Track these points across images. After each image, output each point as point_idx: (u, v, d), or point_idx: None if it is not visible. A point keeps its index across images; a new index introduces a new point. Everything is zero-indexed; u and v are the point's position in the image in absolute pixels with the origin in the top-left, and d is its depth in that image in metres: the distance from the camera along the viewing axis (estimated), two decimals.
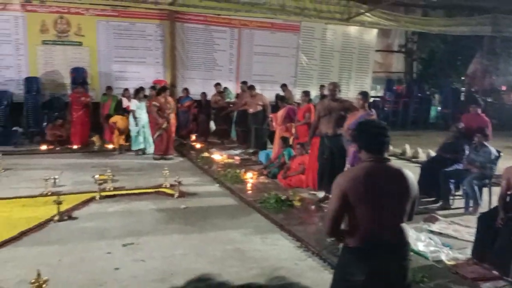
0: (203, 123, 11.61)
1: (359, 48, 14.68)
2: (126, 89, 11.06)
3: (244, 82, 11.01)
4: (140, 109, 9.63)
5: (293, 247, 4.77)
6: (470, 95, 15.84)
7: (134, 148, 9.80)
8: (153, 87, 10.57)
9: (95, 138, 10.47)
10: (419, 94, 16.34)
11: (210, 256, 4.44)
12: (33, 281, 3.24)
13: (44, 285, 3.26)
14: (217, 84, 11.57)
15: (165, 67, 12.40)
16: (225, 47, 13.03)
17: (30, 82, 11.03)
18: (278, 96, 9.98)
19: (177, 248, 4.61)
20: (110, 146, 10.10)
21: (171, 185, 6.82)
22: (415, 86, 16.52)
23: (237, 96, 11.67)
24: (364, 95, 6.07)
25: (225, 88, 11.96)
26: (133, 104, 9.78)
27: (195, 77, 12.71)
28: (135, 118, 9.62)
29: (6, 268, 4.02)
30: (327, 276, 3.83)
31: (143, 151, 9.72)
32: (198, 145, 10.42)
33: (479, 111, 7.87)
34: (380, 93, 17.26)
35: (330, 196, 2.43)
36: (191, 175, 7.88)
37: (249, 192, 6.83)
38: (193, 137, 11.27)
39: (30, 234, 4.90)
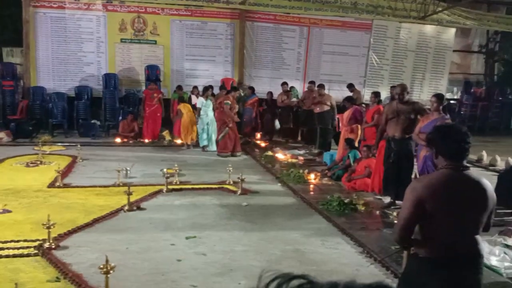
0: (268, 122, 11.66)
1: (435, 48, 13.96)
2: (195, 87, 11.39)
3: (312, 82, 10.90)
4: (206, 107, 9.81)
5: (355, 252, 4.64)
6: None
7: (200, 144, 10.05)
8: (221, 87, 10.79)
9: (165, 133, 10.91)
10: (500, 98, 15.21)
11: (270, 255, 4.45)
12: (101, 266, 3.44)
13: (111, 271, 3.45)
14: (284, 83, 11.56)
15: (234, 65, 12.61)
16: (294, 46, 12.99)
17: (109, 78, 11.74)
18: (346, 97, 9.75)
19: (238, 244, 4.67)
20: (179, 141, 10.46)
21: (234, 182, 6.92)
22: (496, 89, 15.40)
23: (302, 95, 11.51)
24: (438, 97, 5.75)
25: (292, 87, 11.92)
26: (199, 102, 10.03)
27: (262, 75, 12.81)
28: (199, 115, 9.87)
29: (79, 252, 4.30)
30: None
31: (203, 148, 9.89)
32: (262, 144, 10.49)
33: None
34: (457, 96, 16.30)
35: (402, 202, 2.32)
36: (254, 173, 7.94)
37: (312, 193, 6.76)
38: (258, 135, 11.37)
39: (102, 221, 5.20)
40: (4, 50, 15.05)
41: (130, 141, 10.58)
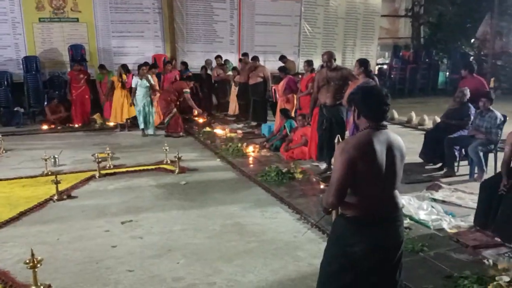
0: (205, 98, 11.46)
1: (364, 14, 14.27)
2: (123, 65, 10.78)
3: (245, 54, 10.78)
4: (141, 87, 9.08)
5: (293, 219, 4.71)
6: (478, 59, 15.41)
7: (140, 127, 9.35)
8: (153, 65, 10.22)
9: (96, 116, 10.42)
10: (427, 60, 15.95)
11: (209, 231, 4.40)
12: (27, 261, 3.23)
13: (39, 265, 3.25)
14: (218, 57, 11.36)
15: (165, 40, 12.17)
16: (226, 18, 12.75)
17: (29, 61, 10.93)
18: (279, 67, 9.75)
19: (176, 224, 4.58)
20: (111, 124, 10.02)
21: (172, 161, 6.76)
22: (422, 52, 16.11)
23: (235, 68, 11.32)
24: (360, 62, 5.85)
25: (226, 60, 11.75)
26: (134, 81, 9.19)
27: (195, 50, 12.49)
28: (134, 96, 9.11)
29: (4, 249, 4.03)
30: None
31: (143, 132, 9.25)
32: (200, 120, 10.31)
33: (470, 74, 7.36)
34: (388, 60, 16.89)
35: (333, 165, 2.34)
36: (192, 151, 7.81)
37: (251, 166, 6.75)
38: (195, 112, 11.15)
39: (30, 214, 4.89)
40: None
41: (59, 127, 10.00)
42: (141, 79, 9.09)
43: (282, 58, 11.01)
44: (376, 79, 6.21)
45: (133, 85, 9.16)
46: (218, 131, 9.11)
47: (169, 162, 6.82)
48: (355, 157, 2.19)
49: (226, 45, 12.79)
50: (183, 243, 4.12)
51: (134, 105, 9.25)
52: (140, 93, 9.10)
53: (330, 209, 2.52)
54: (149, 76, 9.14)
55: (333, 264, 2.37)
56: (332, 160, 5.45)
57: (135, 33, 11.85)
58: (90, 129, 9.98)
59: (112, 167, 6.67)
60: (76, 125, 10.11)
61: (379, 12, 14.73)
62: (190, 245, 4.07)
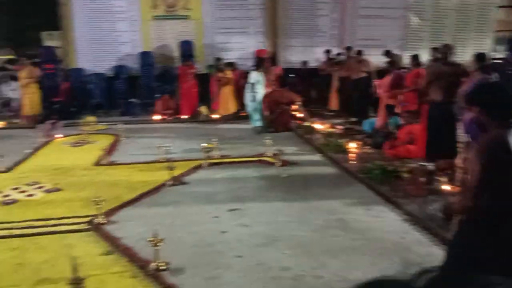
0: (304, 92, 11.47)
1: (478, 5, 13.18)
2: (218, 59, 11.09)
3: (349, 48, 10.59)
4: (259, 84, 8.89)
5: (399, 220, 4.57)
6: None
7: (253, 124, 9.20)
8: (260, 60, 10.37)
9: (202, 108, 10.99)
10: None
11: (313, 224, 4.44)
12: (151, 239, 3.55)
13: (160, 243, 3.56)
14: (327, 51, 11.26)
15: (266, 36, 12.41)
16: (328, 12, 12.60)
17: (144, 56, 11.86)
18: (386, 62, 9.38)
19: (280, 215, 4.69)
20: (216, 116, 10.50)
21: (273, 154, 6.92)
22: None
23: (337, 62, 11.17)
24: (478, 57, 5.44)
25: (339, 54, 11.55)
26: (253, 76, 9.06)
27: (296, 44, 12.55)
28: (252, 91, 8.93)
29: (127, 227, 4.45)
30: (437, 251, 3.61)
31: (261, 129, 8.97)
32: (300, 114, 10.34)
33: None
34: (503, 55, 15.43)
35: (469, 168, 2.23)
36: (292, 145, 7.91)
37: (352, 162, 6.65)
38: (295, 106, 11.22)
39: (147, 196, 5.34)
40: (44, 34, 15.49)
41: (168, 118, 10.74)
42: (260, 75, 8.95)
43: (387, 53, 10.61)
44: (497, 75, 5.73)
45: (252, 81, 9.04)
46: (318, 126, 9.09)
47: (270, 155, 6.99)
48: (492, 159, 2.07)
49: (327, 39, 12.65)
50: (288, 234, 4.21)
51: (252, 100, 9.10)
52: (259, 90, 8.97)
53: (461, 213, 2.40)
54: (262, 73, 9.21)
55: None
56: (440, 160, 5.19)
57: (240, 29, 12.25)
58: (197, 120, 10.57)
59: (218, 157, 7.00)
60: (184, 117, 10.78)
61: (496, 3, 13.49)
62: (295, 237, 4.16)
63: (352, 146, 7.32)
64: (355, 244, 4.03)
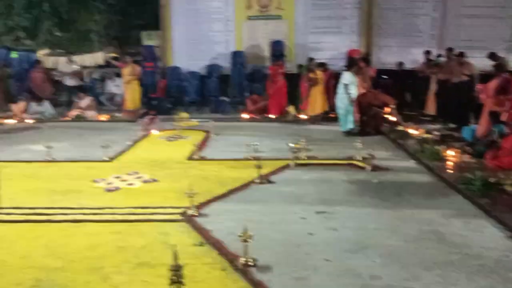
0: (398, 94, 10.99)
1: None
2: (312, 59, 11.02)
3: (450, 49, 9.95)
4: (353, 84, 8.64)
5: (503, 236, 4.19)
6: None
7: (343, 129, 8.91)
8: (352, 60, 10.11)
9: (290, 108, 11.01)
10: None
11: (405, 234, 4.24)
12: (241, 234, 3.63)
13: (249, 239, 3.62)
14: (427, 52, 10.70)
15: (360, 36, 12.09)
16: (428, 11, 11.94)
17: (236, 56, 12.20)
18: (494, 65, 8.64)
19: (370, 222, 4.54)
20: (304, 116, 10.47)
21: (363, 158, 6.72)
22: None
23: (437, 64, 10.53)
24: None
25: (439, 55, 10.92)
26: (346, 77, 8.79)
27: (391, 45, 12.06)
28: (348, 93, 8.65)
29: (218, 220, 4.59)
30: None
31: (347, 133, 8.75)
32: (393, 118, 9.94)
33: None
34: None
35: None
36: (383, 149, 7.62)
37: (450, 171, 6.23)
38: (387, 109, 10.81)
39: (236, 192, 5.47)
40: (144, 33, 16.62)
41: (257, 117, 10.92)
42: (353, 75, 8.75)
43: (493, 55, 9.79)
44: None
45: (345, 82, 8.77)
46: (412, 131, 8.66)
47: (360, 158, 6.80)
48: None
49: (425, 40, 11.97)
50: (379, 242, 4.06)
51: (343, 102, 8.80)
52: (351, 91, 8.71)
53: None
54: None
55: None
56: None
57: (332, 29, 12.08)
58: (285, 120, 10.62)
59: (305, 158, 6.97)
60: (272, 116, 10.89)
61: None
62: (385, 246, 3.99)
63: (450, 154, 6.88)
64: (451, 258, 3.77)
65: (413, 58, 11.37)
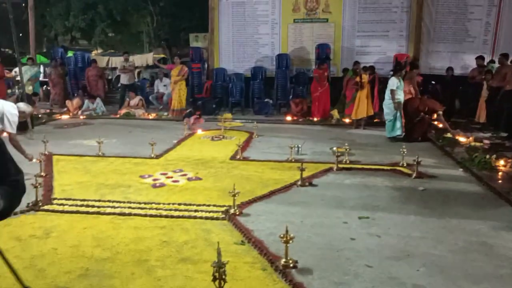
0: (447, 101, 10.65)
1: None
2: (357, 62, 10.88)
3: (504, 55, 9.54)
4: (399, 90, 8.52)
5: None
6: None
7: (389, 135, 8.75)
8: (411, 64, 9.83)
9: (333, 112, 10.93)
10: None
11: (451, 245, 4.10)
12: (282, 235, 3.64)
13: (290, 241, 3.63)
14: (480, 57, 10.33)
15: (409, 40, 11.81)
16: (481, 15, 11.51)
17: (281, 58, 12.25)
18: None
19: (414, 230, 4.43)
20: (347, 120, 10.36)
21: (408, 165, 6.57)
22: None
23: (489, 71, 10.12)
24: None
25: (491, 61, 10.52)
26: (391, 82, 8.63)
27: (441, 50, 11.72)
28: (394, 99, 8.51)
29: (259, 220, 4.63)
30: None
31: (393, 138, 8.61)
32: (440, 125, 9.65)
33: None
34: None
35: None
36: (430, 156, 7.41)
37: (500, 181, 5.98)
38: (435, 115, 10.50)
39: (278, 193, 5.49)
40: (192, 35, 17.02)
41: (300, 119, 10.91)
42: (399, 80, 8.59)
43: None
44: None
45: (392, 87, 8.63)
46: (461, 138, 8.37)
47: (405, 165, 6.65)
48: None
49: (478, 45, 11.58)
50: (423, 252, 3.95)
51: (390, 107, 8.65)
52: (398, 96, 8.58)
53: None
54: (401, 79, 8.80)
55: None
56: None
57: (380, 33, 11.90)
58: (327, 123, 10.55)
59: (348, 162, 6.90)
60: (315, 119, 10.85)
61: None
62: (430, 255, 3.88)
63: (501, 163, 6.61)
64: (501, 272, 3.61)
65: (464, 64, 11.02)
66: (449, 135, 8.59)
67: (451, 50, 11.57)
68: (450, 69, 10.71)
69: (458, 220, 4.71)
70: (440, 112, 8.74)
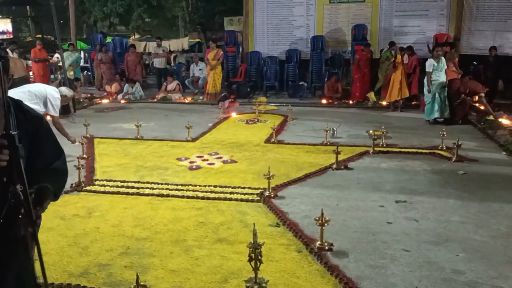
0: (489, 82, 10.21)
1: None
2: (392, 42, 10.52)
3: None
4: (438, 71, 8.27)
5: None
6: None
7: (428, 118, 8.51)
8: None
9: (370, 94, 10.71)
10: None
11: (493, 230, 3.98)
12: (317, 218, 3.65)
13: (326, 224, 3.63)
14: None
15: (450, 19, 11.34)
16: None
17: (316, 41, 12.05)
18: None
19: (453, 214, 4.33)
20: (384, 103, 10.13)
21: (448, 148, 6.39)
22: None
23: None
24: None
25: None
26: (431, 64, 8.35)
27: (484, 29, 11.19)
28: (429, 81, 8.30)
29: (294, 203, 4.65)
30: None
31: (432, 121, 8.41)
32: (482, 107, 9.29)
33: None
34: None
35: None
36: (471, 139, 7.17)
37: None
38: (476, 97, 10.10)
39: (313, 177, 5.48)
40: (226, 19, 17.00)
41: (335, 102, 10.77)
42: (437, 62, 8.32)
43: None
44: None
45: (428, 69, 8.37)
46: (504, 121, 8.03)
47: (445, 148, 6.47)
48: None
49: None
50: (463, 236, 3.87)
51: (429, 89, 8.36)
52: (437, 78, 8.32)
53: None
54: (443, 59, 8.48)
55: None
56: None
57: (419, 12, 11.47)
58: (364, 106, 10.36)
59: (385, 145, 6.77)
60: (351, 102, 10.67)
61: None
62: (470, 240, 3.79)
63: None
64: None
65: (509, 43, 10.48)
66: (491, 117, 8.26)
67: (495, 29, 11.00)
68: (493, 48, 10.21)
69: (500, 204, 4.57)
70: (482, 94, 8.41)
